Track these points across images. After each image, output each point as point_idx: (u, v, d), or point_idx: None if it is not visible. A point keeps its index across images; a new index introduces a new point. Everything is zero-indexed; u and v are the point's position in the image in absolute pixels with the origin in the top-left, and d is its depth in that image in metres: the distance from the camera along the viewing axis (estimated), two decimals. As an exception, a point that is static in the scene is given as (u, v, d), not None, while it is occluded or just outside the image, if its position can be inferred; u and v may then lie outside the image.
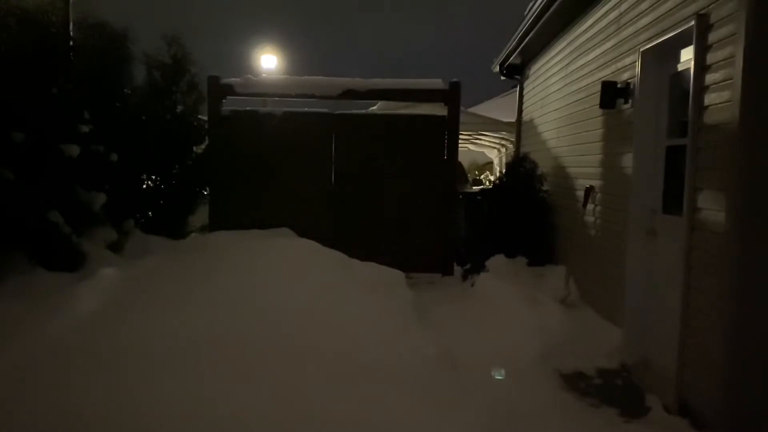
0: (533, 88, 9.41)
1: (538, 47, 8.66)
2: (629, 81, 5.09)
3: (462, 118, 8.34)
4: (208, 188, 8.07)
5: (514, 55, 9.50)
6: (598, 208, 5.90)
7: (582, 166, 6.47)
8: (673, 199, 4.43)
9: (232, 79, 8.06)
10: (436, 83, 8.19)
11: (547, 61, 8.33)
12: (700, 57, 3.82)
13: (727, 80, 3.49)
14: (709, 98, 3.72)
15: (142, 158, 7.29)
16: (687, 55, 4.25)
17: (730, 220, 3.40)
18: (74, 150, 5.57)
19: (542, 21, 7.33)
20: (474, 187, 12.68)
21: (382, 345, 3.93)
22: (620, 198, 5.21)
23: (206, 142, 7.99)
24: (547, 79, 8.33)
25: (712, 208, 3.63)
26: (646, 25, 4.75)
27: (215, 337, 3.52)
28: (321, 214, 7.96)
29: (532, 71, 9.51)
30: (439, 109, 8.18)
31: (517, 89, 10.48)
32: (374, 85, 8.14)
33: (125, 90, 7.40)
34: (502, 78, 10.80)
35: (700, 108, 3.82)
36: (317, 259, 5.78)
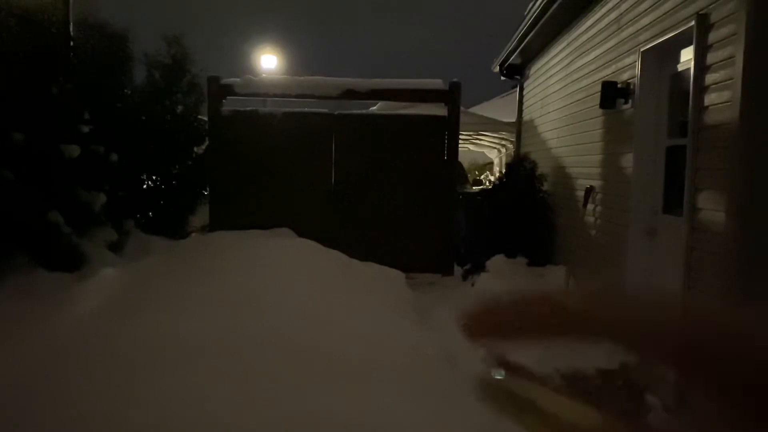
0: (533, 88, 9.41)
1: (538, 47, 8.66)
2: (629, 81, 5.10)
3: (462, 118, 8.34)
4: (208, 188, 8.07)
5: (514, 55, 9.50)
6: (598, 208, 5.90)
7: (582, 166, 6.47)
8: (673, 199, 4.44)
9: (232, 79, 8.06)
10: (436, 83, 8.19)
11: (547, 61, 8.33)
12: (700, 57, 3.82)
13: (727, 80, 3.49)
14: (709, 98, 3.72)
15: (142, 158, 7.29)
16: (687, 55, 4.25)
17: (730, 220, 3.40)
18: (74, 150, 5.58)
19: (542, 21, 7.33)
20: (474, 187, 12.67)
21: (382, 345, 3.93)
22: (620, 198, 5.21)
23: (206, 142, 7.99)
24: (547, 79, 8.33)
25: (712, 208, 3.63)
26: (646, 25, 4.75)
27: (215, 337, 3.52)
28: (321, 214, 7.96)
29: (532, 71, 9.52)
30: (439, 109, 8.17)
31: (517, 89, 10.48)
32: (374, 85, 8.14)
33: (125, 90, 7.40)
34: (502, 78, 10.79)
35: (700, 108, 3.82)
36: (317, 259, 5.78)
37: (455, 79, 8.13)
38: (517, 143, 10.39)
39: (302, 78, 8.29)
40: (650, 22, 4.68)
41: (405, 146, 8.04)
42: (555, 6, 6.71)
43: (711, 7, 3.72)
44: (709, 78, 3.73)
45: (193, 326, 3.65)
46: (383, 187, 8.04)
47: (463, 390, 3.73)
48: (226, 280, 4.60)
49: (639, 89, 4.86)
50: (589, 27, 6.38)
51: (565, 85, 7.29)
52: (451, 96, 8.04)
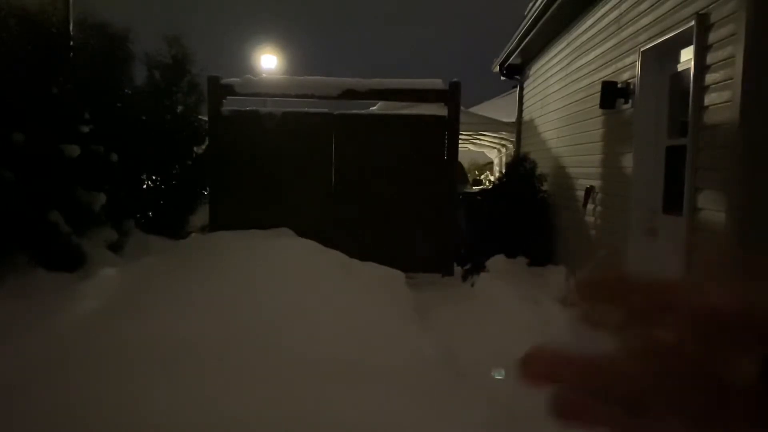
0: (533, 88, 9.41)
1: (538, 47, 8.66)
2: (629, 81, 5.10)
3: (462, 118, 8.33)
4: (208, 188, 8.07)
5: (514, 56, 9.50)
6: (598, 208, 5.90)
7: (582, 166, 6.47)
8: (673, 199, 4.44)
9: (232, 79, 8.05)
10: (436, 83, 8.18)
11: (547, 61, 8.33)
12: (700, 57, 3.82)
13: (727, 80, 3.49)
14: (709, 98, 3.73)
15: (142, 158, 7.29)
16: (687, 55, 4.25)
17: (730, 220, 3.40)
18: (74, 150, 5.58)
19: (542, 21, 7.33)
20: (474, 187, 12.67)
21: (382, 345, 3.93)
22: (620, 198, 5.21)
23: (206, 142, 7.99)
24: (547, 79, 8.33)
25: (712, 208, 3.63)
26: (647, 25, 4.75)
27: (215, 336, 3.52)
28: (321, 214, 7.95)
29: (532, 71, 9.52)
30: (439, 109, 8.17)
31: (517, 89, 10.48)
32: (374, 85, 8.14)
33: (125, 90, 7.40)
34: (502, 78, 10.80)
35: (700, 108, 3.82)
36: (317, 259, 5.78)
37: (455, 79, 8.12)
38: (517, 143, 10.39)
39: (302, 78, 8.29)
40: (650, 22, 4.68)
41: (405, 146, 8.03)
42: (555, 6, 6.71)
43: (711, 7, 3.72)
44: (709, 78, 3.73)
45: (193, 326, 3.64)
46: (383, 186, 8.03)
47: (463, 390, 3.73)
48: (225, 280, 4.60)
49: (639, 89, 4.86)
50: (589, 27, 6.38)
51: (565, 85, 7.29)
52: (451, 96, 8.04)
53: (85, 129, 5.88)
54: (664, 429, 0.30)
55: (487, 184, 14.07)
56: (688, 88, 3.98)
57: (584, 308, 0.33)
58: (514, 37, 8.91)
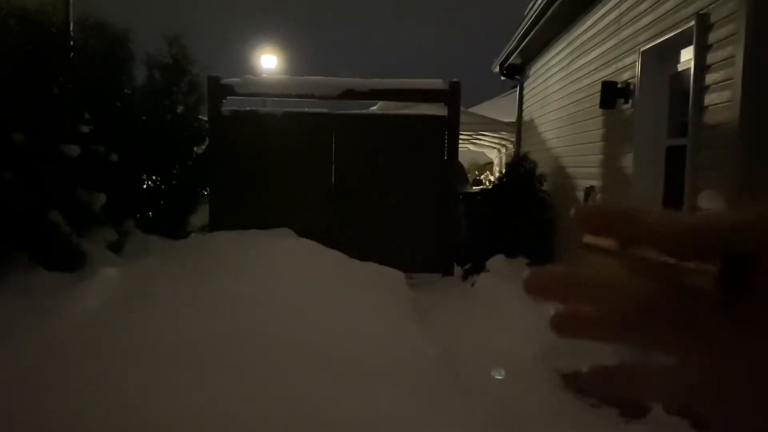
0: (533, 88, 9.41)
1: (539, 47, 8.66)
2: (629, 81, 5.10)
3: (462, 118, 8.33)
4: (208, 188, 8.07)
5: (514, 55, 9.50)
6: (598, 208, 5.90)
7: (582, 166, 6.47)
8: (673, 199, 4.44)
9: (233, 79, 8.05)
10: (436, 83, 8.19)
11: (547, 61, 8.33)
12: (700, 57, 3.82)
13: (727, 80, 3.49)
14: (709, 98, 3.73)
15: (142, 158, 7.29)
16: (687, 55, 4.25)
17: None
18: (74, 150, 5.57)
19: (542, 21, 7.33)
20: (474, 187, 12.67)
21: (382, 345, 3.93)
22: (620, 198, 5.21)
23: (206, 142, 7.99)
24: (547, 79, 8.33)
25: (712, 208, 3.64)
26: (647, 25, 4.75)
27: (215, 337, 3.52)
28: (321, 214, 7.96)
29: (532, 71, 9.52)
30: (439, 109, 8.17)
31: (517, 89, 10.49)
32: (374, 85, 8.14)
33: (125, 90, 7.40)
34: (502, 78, 10.81)
35: (700, 108, 3.82)
36: (317, 259, 5.78)
37: (455, 79, 8.12)
38: (517, 143, 10.39)
39: (302, 78, 8.30)
40: (650, 22, 4.68)
41: (405, 146, 8.04)
42: (555, 6, 6.71)
43: (711, 7, 3.72)
44: (709, 78, 3.73)
45: (192, 326, 3.65)
46: (383, 186, 8.04)
47: (463, 390, 3.73)
48: (225, 280, 4.60)
49: (639, 89, 4.86)
50: (589, 27, 6.38)
51: (565, 85, 7.29)
52: (451, 96, 8.04)
53: (85, 129, 5.88)
54: (651, 337, 0.34)
55: (487, 184, 14.06)
56: (688, 88, 3.98)
57: (582, 235, 0.37)
58: (514, 37, 8.92)
